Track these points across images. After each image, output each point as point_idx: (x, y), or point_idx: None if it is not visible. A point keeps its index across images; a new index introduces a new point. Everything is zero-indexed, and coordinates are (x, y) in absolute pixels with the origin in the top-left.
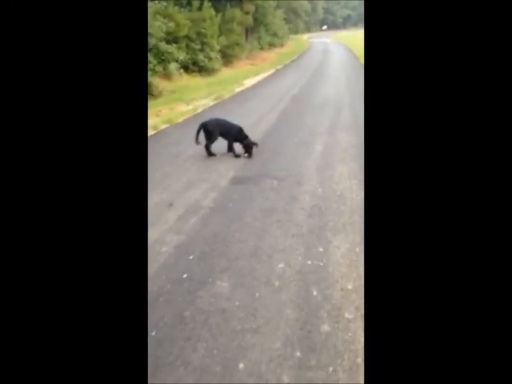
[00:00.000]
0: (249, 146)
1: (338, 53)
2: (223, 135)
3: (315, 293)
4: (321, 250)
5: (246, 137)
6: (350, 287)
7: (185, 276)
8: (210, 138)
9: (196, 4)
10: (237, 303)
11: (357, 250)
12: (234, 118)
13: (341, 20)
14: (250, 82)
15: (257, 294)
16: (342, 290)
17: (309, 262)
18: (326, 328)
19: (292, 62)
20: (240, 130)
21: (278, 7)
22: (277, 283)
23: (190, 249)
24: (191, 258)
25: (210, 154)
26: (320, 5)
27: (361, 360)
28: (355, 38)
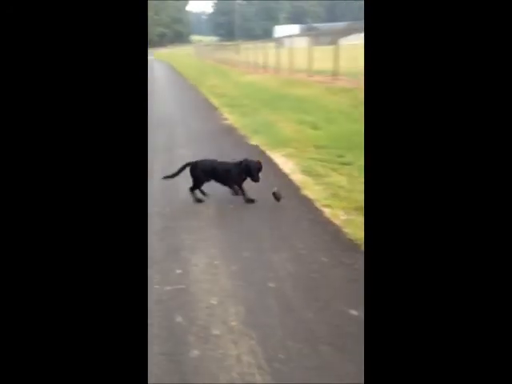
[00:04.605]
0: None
1: (162, 71)
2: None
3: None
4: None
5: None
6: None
7: None
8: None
9: None
10: None
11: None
12: None
13: (157, 38)
14: None
15: None
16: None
17: None
18: None
19: None
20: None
21: None
22: None
23: None
24: None
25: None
26: None
27: (235, 374)
28: (174, 54)
